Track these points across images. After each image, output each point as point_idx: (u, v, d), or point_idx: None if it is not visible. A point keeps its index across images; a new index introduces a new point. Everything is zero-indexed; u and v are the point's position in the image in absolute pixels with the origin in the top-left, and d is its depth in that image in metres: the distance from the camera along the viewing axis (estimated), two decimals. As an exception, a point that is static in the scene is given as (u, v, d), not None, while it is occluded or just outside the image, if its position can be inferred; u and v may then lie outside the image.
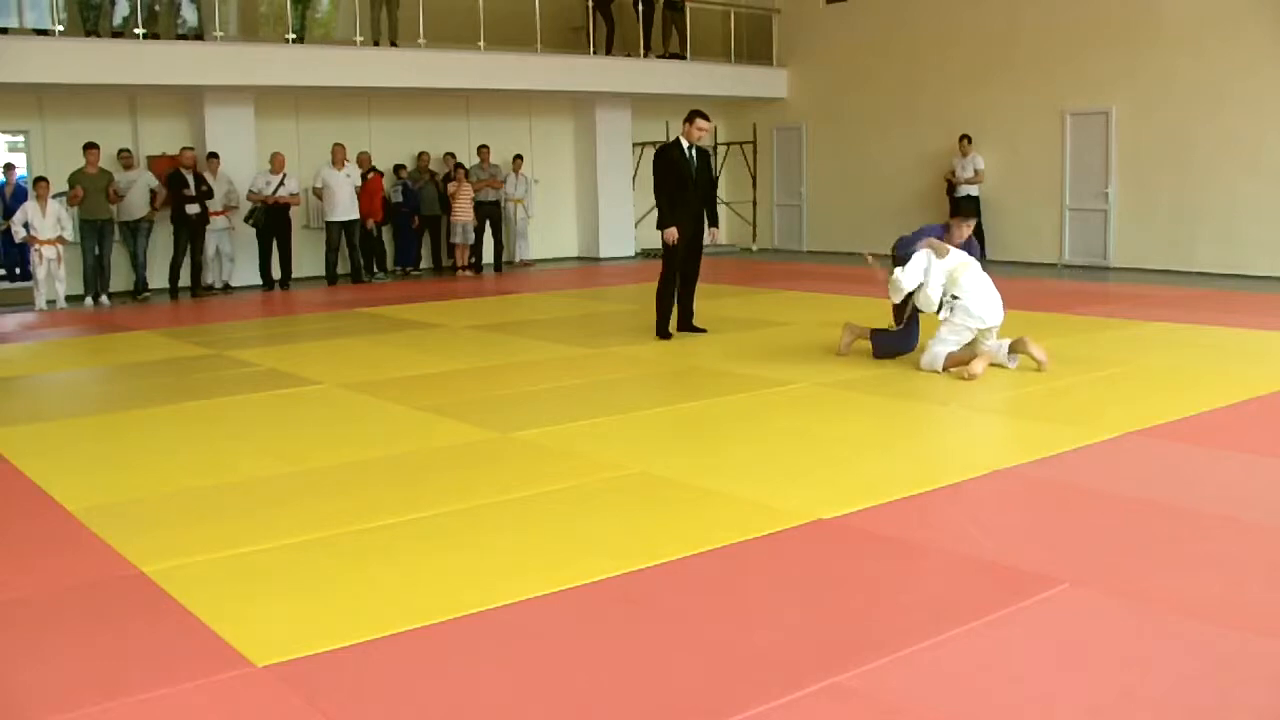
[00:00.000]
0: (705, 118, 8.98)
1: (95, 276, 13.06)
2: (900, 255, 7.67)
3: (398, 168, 15.71)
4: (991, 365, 7.34)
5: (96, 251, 13.01)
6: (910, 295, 7.54)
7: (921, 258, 7.43)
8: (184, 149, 13.73)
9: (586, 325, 10.49)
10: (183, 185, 13.35)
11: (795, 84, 18.52)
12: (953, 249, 7.47)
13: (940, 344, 7.38)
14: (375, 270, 15.24)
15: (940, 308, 7.42)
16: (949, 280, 7.36)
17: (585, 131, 17.91)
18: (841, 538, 4.26)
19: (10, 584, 3.94)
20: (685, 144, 9.01)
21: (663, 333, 9.16)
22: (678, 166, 9.00)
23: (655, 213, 9.22)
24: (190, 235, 13.58)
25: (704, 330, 9.31)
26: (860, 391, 6.97)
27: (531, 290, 13.67)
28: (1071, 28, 14.59)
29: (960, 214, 7.79)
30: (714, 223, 9.38)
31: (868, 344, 7.98)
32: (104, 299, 13.07)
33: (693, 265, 9.29)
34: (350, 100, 15.54)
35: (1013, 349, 7.40)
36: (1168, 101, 13.76)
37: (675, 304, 9.26)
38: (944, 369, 7.33)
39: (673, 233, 8.95)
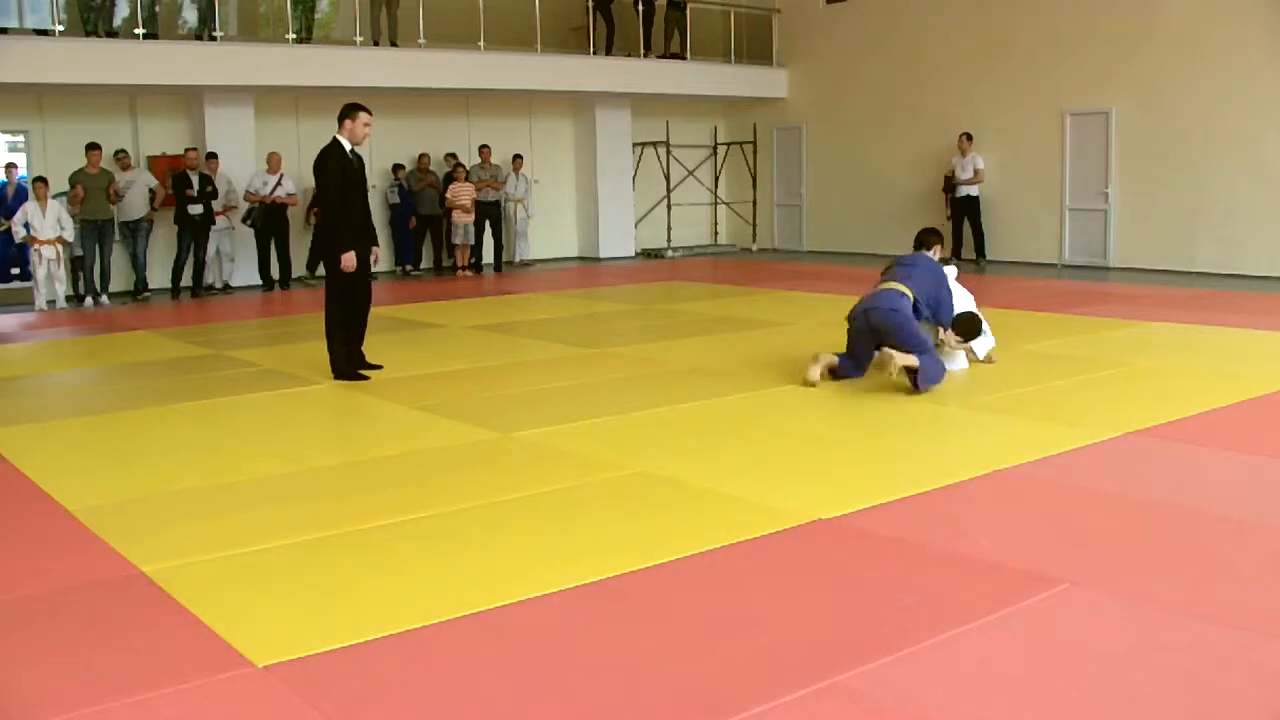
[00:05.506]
0: (369, 111, 7.61)
1: (94, 277, 13.06)
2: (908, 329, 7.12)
3: (396, 167, 15.72)
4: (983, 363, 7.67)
5: (97, 251, 13.02)
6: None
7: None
8: (188, 149, 13.76)
9: (586, 325, 10.50)
10: (186, 186, 13.37)
11: (795, 84, 18.51)
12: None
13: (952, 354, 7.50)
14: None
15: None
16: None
17: (585, 131, 17.90)
18: (841, 538, 4.26)
19: (11, 584, 3.94)
20: (348, 146, 7.56)
21: (343, 373, 7.68)
22: (349, 175, 7.58)
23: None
24: (193, 235, 13.61)
25: (379, 366, 7.90)
26: (860, 392, 6.97)
27: (531, 290, 13.67)
28: (1071, 28, 14.59)
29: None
30: (375, 240, 7.94)
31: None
32: (104, 299, 13.07)
33: (365, 294, 7.83)
34: (350, 100, 15.46)
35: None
36: (1167, 101, 13.76)
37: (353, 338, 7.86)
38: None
39: (350, 259, 7.47)
